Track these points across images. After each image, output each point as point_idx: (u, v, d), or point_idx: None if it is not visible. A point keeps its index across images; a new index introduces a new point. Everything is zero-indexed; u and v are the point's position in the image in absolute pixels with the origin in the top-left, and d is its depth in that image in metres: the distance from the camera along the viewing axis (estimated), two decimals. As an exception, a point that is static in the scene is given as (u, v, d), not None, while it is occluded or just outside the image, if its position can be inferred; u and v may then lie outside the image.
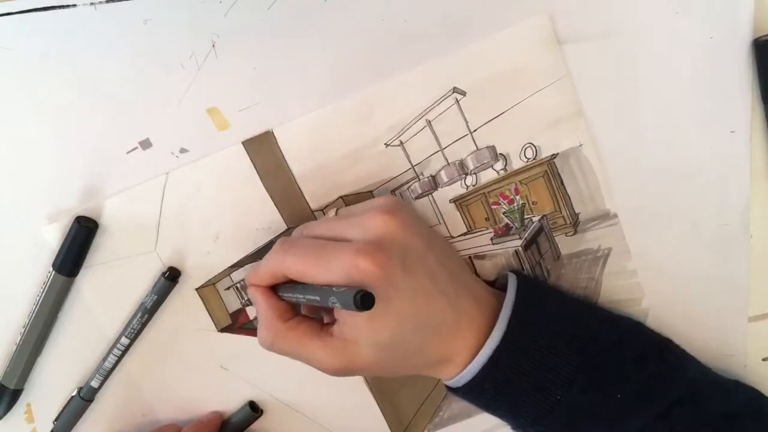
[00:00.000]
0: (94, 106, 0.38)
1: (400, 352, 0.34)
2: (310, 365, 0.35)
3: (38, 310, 0.39)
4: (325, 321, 0.37)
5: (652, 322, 0.42)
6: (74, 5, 0.36)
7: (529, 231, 0.41)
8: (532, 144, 0.39)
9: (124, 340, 0.40)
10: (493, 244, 0.41)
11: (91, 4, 0.36)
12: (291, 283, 0.35)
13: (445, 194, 0.41)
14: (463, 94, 0.39)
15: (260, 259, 0.41)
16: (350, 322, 0.33)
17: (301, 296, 0.34)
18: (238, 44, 0.37)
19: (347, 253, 0.32)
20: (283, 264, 0.34)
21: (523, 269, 0.41)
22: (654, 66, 0.38)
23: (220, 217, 0.40)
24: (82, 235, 0.39)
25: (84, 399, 0.41)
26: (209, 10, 0.37)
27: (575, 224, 0.41)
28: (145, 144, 0.39)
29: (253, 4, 0.37)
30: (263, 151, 0.39)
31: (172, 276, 0.40)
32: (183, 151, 0.39)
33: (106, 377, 0.41)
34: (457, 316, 0.35)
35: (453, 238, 0.42)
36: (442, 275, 0.35)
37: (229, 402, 0.43)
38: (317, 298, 0.32)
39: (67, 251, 0.39)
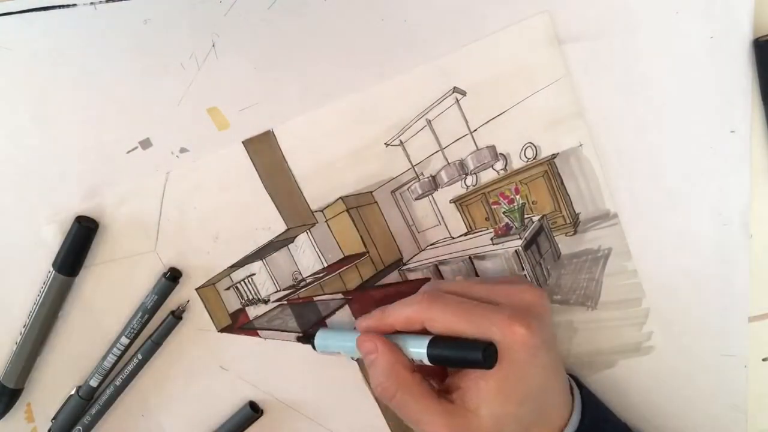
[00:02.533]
0: (94, 106, 0.38)
1: (512, 428, 0.33)
2: (418, 427, 0.34)
3: (38, 310, 0.39)
4: (436, 386, 0.36)
5: (653, 322, 0.42)
6: (74, 5, 0.36)
7: (529, 231, 0.41)
8: (532, 144, 0.39)
9: (124, 340, 0.40)
10: (493, 244, 0.41)
11: (91, 3, 0.36)
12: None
13: (445, 194, 0.41)
14: (463, 94, 0.39)
15: (260, 259, 0.41)
16: (475, 389, 0.33)
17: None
18: (238, 44, 0.37)
19: (502, 317, 0.32)
20: (427, 314, 0.34)
21: (524, 270, 0.41)
22: (654, 66, 0.38)
23: (220, 217, 0.40)
24: (82, 235, 0.39)
25: (82, 398, 0.41)
26: (209, 10, 0.37)
27: (575, 224, 0.41)
28: (145, 144, 0.39)
29: (253, 4, 0.37)
30: (263, 150, 0.39)
31: (172, 276, 0.40)
32: (183, 150, 0.39)
33: (105, 376, 0.41)
34: (560, 402, 0.35)
35: (453, 238, 0.42)
36: (559, 360, 0.36)
37: (229, 402, 0.43)
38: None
39: (67, 251, 0.39)
